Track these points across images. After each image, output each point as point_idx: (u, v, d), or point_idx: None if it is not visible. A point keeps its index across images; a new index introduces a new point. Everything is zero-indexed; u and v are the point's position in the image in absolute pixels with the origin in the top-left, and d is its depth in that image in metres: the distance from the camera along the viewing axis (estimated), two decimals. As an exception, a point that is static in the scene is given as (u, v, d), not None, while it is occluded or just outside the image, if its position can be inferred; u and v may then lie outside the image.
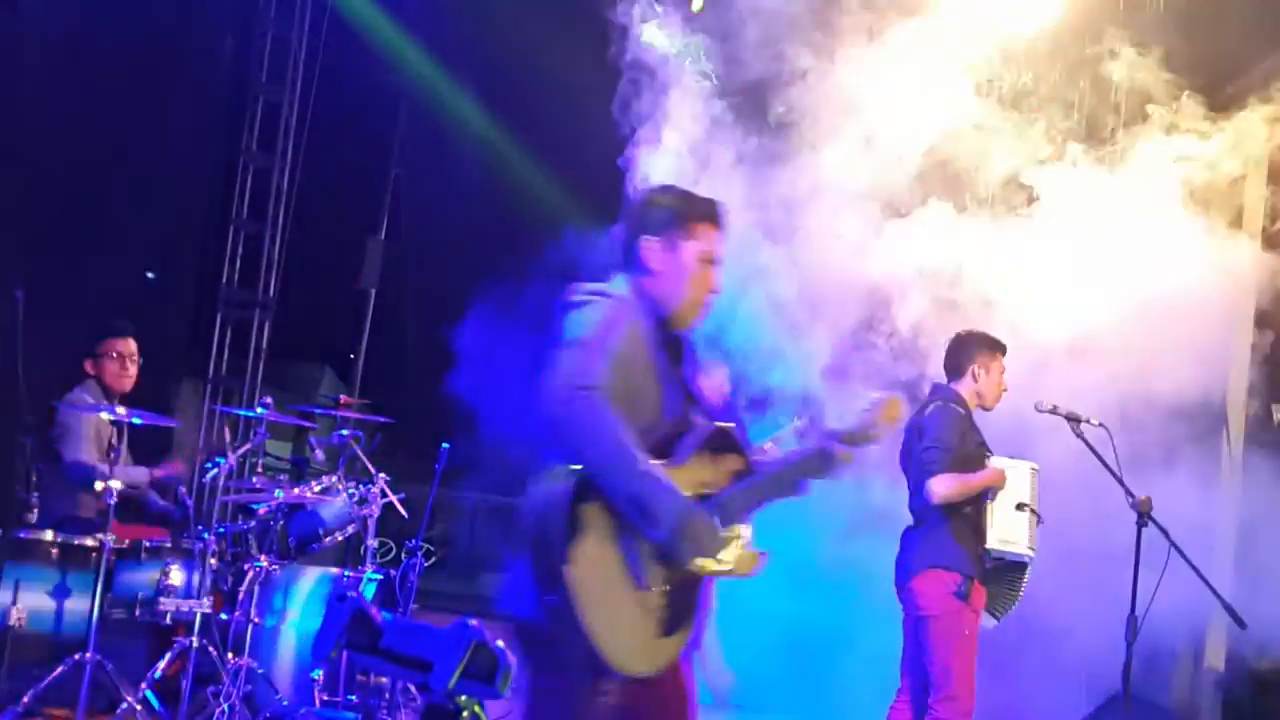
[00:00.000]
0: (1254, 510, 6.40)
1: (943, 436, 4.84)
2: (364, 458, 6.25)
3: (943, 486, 4.76)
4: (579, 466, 2.65)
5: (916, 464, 4.89)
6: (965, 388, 5.07)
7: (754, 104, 6.94)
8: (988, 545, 4.86)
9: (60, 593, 5.23)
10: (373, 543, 5.94)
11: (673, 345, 2.98)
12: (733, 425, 2.94)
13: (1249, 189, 6.78)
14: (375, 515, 5.94)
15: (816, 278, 6.82)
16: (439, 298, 7.73)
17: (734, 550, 2.83)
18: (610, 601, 2.64)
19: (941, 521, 4.82)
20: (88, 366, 5.98)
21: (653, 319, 2.91)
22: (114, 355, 6.00)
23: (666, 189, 3.12)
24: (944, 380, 5.16)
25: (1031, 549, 4.89)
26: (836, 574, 6.48)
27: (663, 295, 2.94)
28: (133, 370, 6.07)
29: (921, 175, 6.76)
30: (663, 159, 6.94)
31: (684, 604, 2.80)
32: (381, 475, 6.10)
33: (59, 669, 4.89)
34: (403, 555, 5.96)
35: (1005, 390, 5.11)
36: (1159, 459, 5.96)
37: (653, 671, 2.71)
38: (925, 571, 4.81)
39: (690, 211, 3.00)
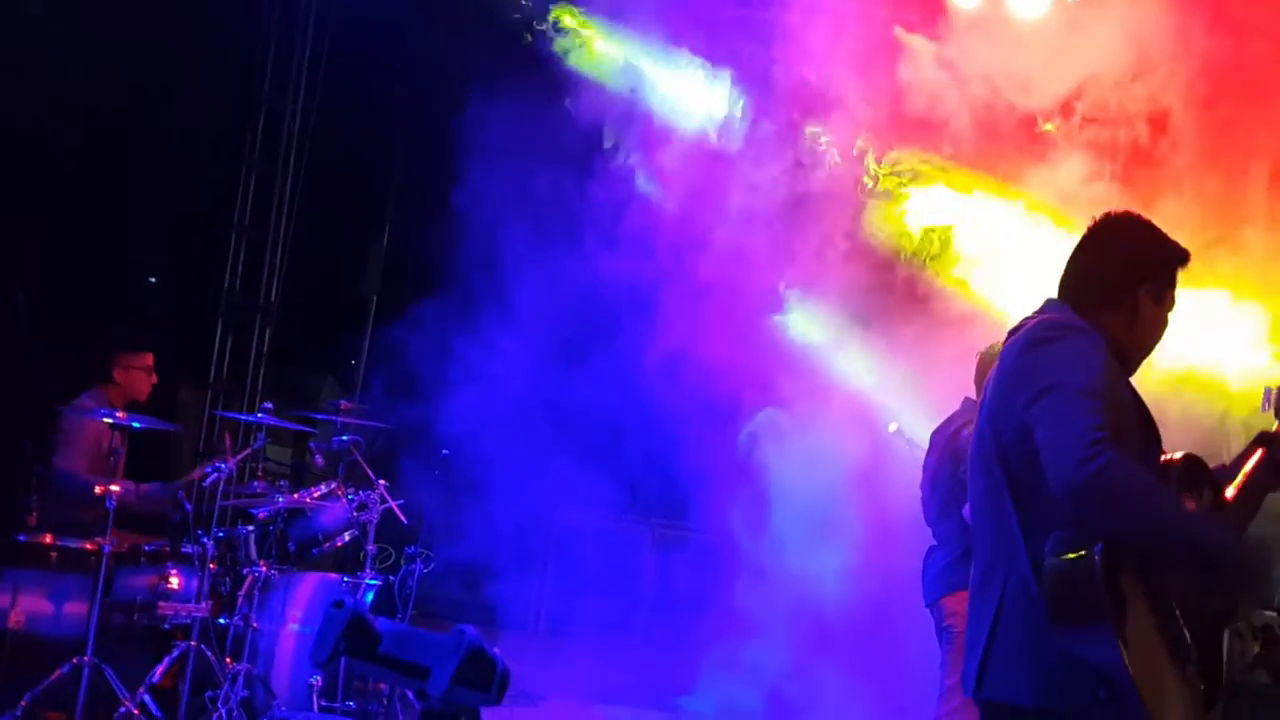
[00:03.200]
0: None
1: None
2: (364, 463, 6.26)
3: None
4: (1083, 530, 2.41)
5: (953, 486, 4.78)
6: None
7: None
8: None
9: (59, 596, 5.24)
10: (372, 548, 5.95)
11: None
12: (1199, 456, 2.69)
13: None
14: (374, 521, 5.95)
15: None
16: (440, 302, 7.74)
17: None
18: (1162, 680, 2.40)
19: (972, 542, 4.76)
20: (118, 376, 6.02)
21: (1115, 360, 2.70)
22: (145, 368, 6.09)
23: (1156, 231, 2.86)
24: (974, 395, 5.06)
25: None
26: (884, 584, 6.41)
27: (1135, 345, 2.79)
28: (154, 382, 6.18)
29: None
30: None
31: (1215, 673, 2.58)
32: (381, 481, 6.11)
33: (57, 672, 4.90)
34: (402, 561, 5.97)
35: None
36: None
37: None
38: (957, 592, 4.69)
39: (1180, 260, 2.83)
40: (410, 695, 5.44)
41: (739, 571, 7.28)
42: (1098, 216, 2.86)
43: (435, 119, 7.85)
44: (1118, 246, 2.83)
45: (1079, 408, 2.44)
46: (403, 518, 6.22)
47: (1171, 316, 2.85)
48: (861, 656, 6.28)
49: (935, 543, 4.97)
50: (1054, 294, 2.87)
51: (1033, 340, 2.64)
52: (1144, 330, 2.79)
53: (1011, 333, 2.80)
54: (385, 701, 5.55)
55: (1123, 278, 2.78)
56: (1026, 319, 2.80)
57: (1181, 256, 2.83)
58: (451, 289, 7.75)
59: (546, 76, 7.50)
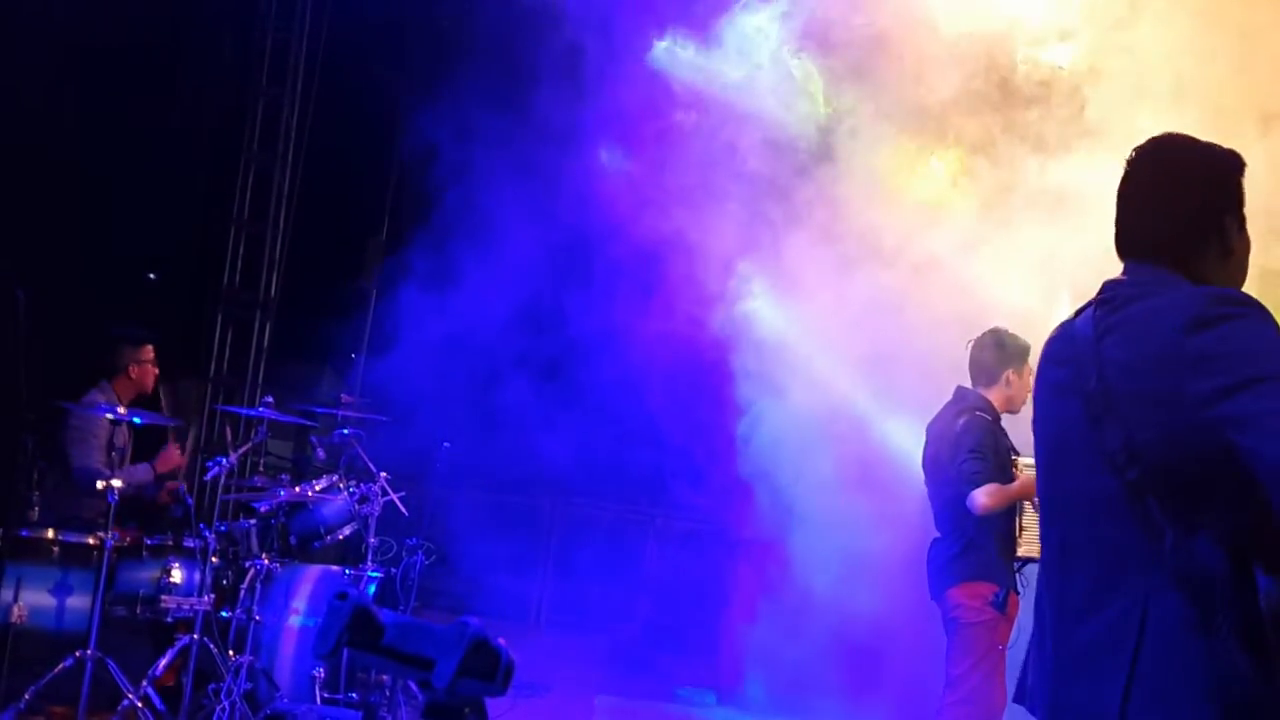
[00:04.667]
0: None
1: (981, 446, 4.73)
2: (364, 456, 6.27)
3: (988, 497, 4.63)
4: None
5: (955, 476, 4.77)
6: (996, 394, 4.95)
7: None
8: (1019, 554, 4.84)
9: (62, 590, 5.25)
10: (373, 541, 5.96)
11: None
12: None
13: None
14: (376, 513, 5.96)
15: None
16: (441, 295, 7.75)
17: None
18: None
19: (978, 533, 4.75)
20: (132, 372, 6.14)
21: None
22: (151, 360, 6.26)
23: (1210, 145, 2.38)
24: (968, 384, 5.03)
25: None
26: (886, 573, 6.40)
27: (1236, 284, 2.33)
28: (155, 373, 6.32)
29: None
30: None
31: None
32: (382, 474, 6.12)
33: (60, 666, 4.91)
34: (403, 554, 5.98)
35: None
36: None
37: None
38: (964, 584, 4.74)
39: (1243, 170, 2.36)
40: (414, 687, 5.47)
41: (740, 561, 7.29)
42: (1136, 152, 2.40)
43: (433, 109, 7.84)
44: (1182, 177, 2.35)
45: None
46: (404, 510, 6.23)
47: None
48: (865, 646, 6.29)
49: (939, 534, 4.97)
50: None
51: (1200, 318, 2.11)
52: (1240, 265, 2.35)
53: (1107, 307, 2.32)
54: (388, 693, 5.56)
55: (1202, 212, 2.32)
56: (1115, 285, 2.36)
57: (1242, 164, 2.38)
58: (451, 278, 7.75)
59: (544, 63, 7.48)
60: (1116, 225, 2.42)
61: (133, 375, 6.16)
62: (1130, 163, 2.40)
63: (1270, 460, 2.00)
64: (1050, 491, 2.44)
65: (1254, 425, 2.02)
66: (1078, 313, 2.41)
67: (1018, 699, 2.52)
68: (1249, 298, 2.17)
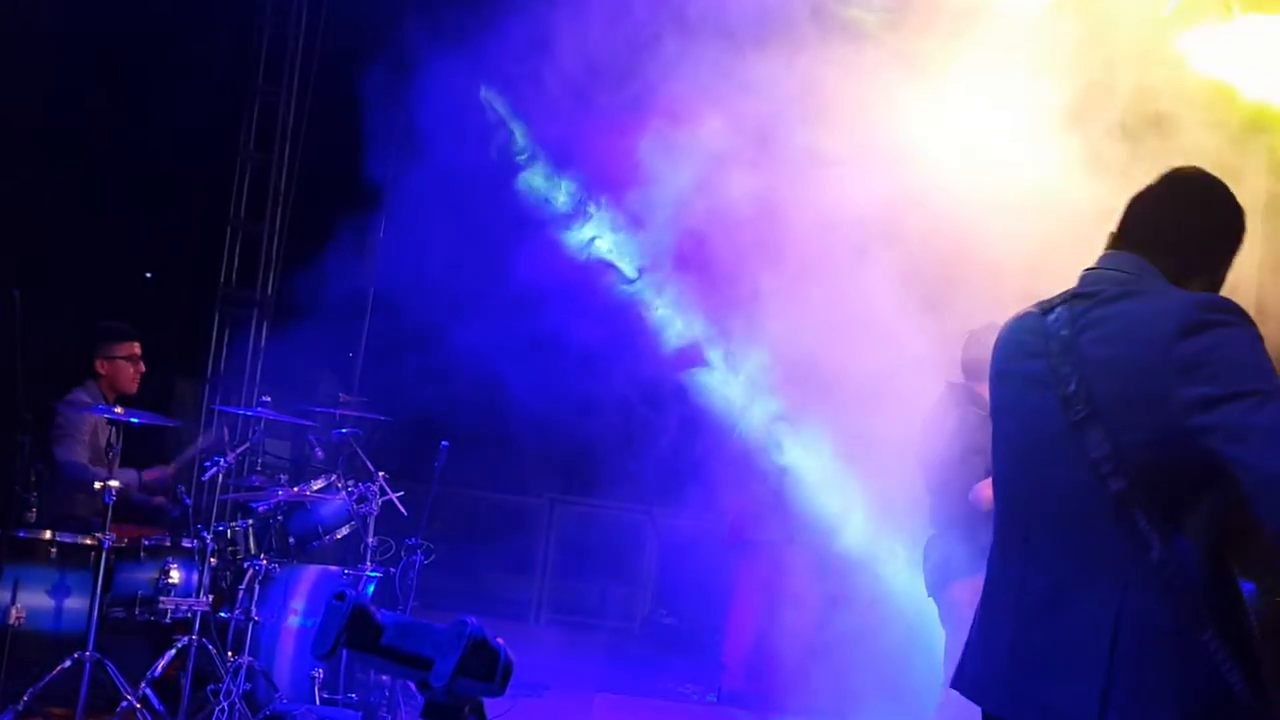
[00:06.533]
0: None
1: (978, 442, 4.72)
2: (363, 455, 6.25)
3: (991, 491, 4.62)
4: None
5: (955, 472, 4.72)
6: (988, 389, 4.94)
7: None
8: None
9: (59, 592, 5.23)
10: (372, 540, 5.95)
11: None
12: None
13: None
14: (374, 513, 5.95)
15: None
16: (438, 295, 7.73)
17: None
18: None
19: (977, 528, 4.72)
20: (100, 367, 6.03)
21: None
22: (129, 357, 6.08)
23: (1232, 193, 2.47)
24: (959, 378, 5.00)
25: None
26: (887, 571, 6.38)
27: None
28: (141, 371, 6.17)
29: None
30: None
31: None
32: (380, 473, 6.11)
33: (59, 668, 4.90)
34: (402, 553, 5.97)
35: None
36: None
37: None
38: (964, 580, 4.66)
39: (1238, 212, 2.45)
40: (412, 687, 5.46)
41: (742, 560, 7.27)
42: (1177, 170, 2.46)
43: (432, 108, 7.83)
44: (1219, 212, 2.43)
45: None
46: (403, 510, 6.21)
47: None
48: (865, 644, 6.28)
49: (934, 530, 4.95)
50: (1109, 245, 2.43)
51: (1190, 324, 2.13)
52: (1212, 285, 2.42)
53: (1088, 300, 2.33)
54: (387, 693, 5.55)
55: (1218, 246, 2.40)
56: (1096, 278, 2.38)
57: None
58: (448, 280, 7.74)
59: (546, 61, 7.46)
60: (1127, 220, 2.45)
61: (102, 371, 6.04)
62: (1169, 177, 2.45)
63: (1257, 472, 2.03)
64: (1015, 483, 2.47)
65: (1240, 437, 2.05)
66: (1047, 305, 2.43)
67: (956, 685, 2.52)
68: (1236, 306, 2.19)
